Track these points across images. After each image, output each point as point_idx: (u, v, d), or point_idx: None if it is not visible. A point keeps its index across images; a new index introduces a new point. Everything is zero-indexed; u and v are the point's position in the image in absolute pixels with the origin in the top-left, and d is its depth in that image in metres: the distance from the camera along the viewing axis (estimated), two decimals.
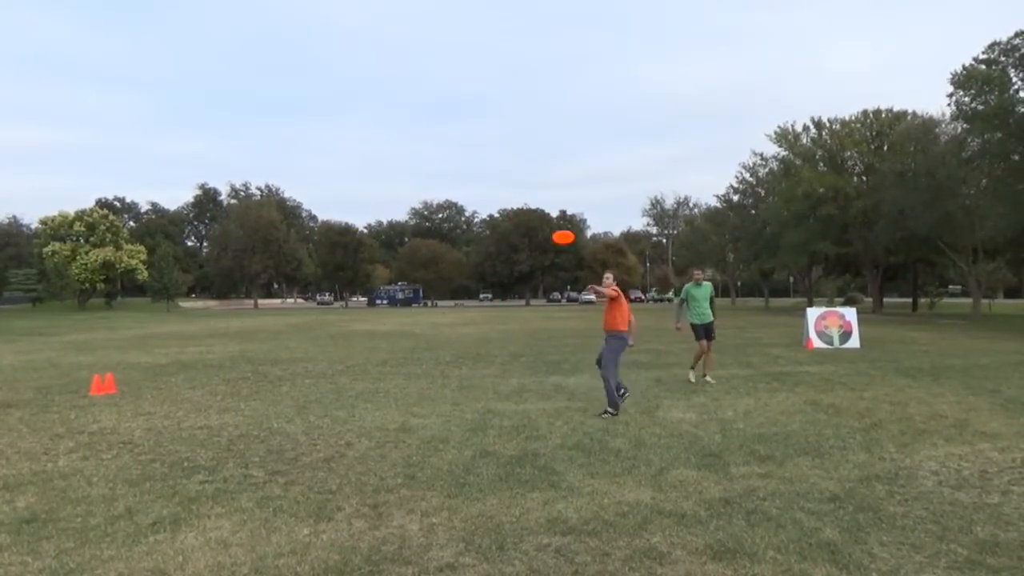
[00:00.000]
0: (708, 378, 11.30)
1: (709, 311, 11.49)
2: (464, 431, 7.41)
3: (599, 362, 8.73)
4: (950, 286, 65.96)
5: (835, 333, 17.69)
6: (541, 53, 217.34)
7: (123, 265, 66.25)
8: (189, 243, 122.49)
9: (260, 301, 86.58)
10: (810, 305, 38.16)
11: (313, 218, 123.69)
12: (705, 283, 11.66)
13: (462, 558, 3.96)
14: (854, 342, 17.53)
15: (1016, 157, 32.80)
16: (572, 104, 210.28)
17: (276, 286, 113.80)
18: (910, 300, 57.64)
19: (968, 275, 40.31)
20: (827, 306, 24.02)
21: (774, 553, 3.99)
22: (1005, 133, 31.92)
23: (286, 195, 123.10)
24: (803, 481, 5.46)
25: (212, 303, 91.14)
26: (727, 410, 8.66)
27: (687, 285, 11.88)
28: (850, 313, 18.26)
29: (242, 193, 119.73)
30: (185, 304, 79.93)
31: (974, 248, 38.30)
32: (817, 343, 17.49)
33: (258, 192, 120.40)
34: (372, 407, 9.04)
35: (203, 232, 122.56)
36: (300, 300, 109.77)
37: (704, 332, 11.39)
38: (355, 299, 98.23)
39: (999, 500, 4.99)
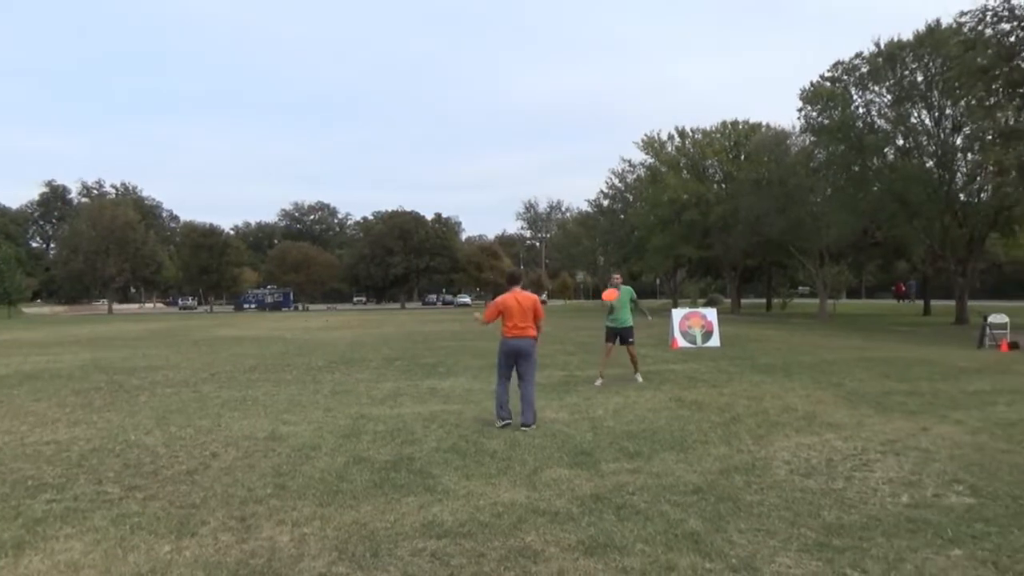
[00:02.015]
0: (637, 377, 11.49)
1: (627, 316, 11.56)
2: (337, 437, 7.25)
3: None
4: (800, 287, 70.54)
5: (698, 333, 18.56)
6: (411, 55, 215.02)
7: None
8: (34, 244, 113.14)
9: (115, 306, 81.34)
10: (675, 306, 39.82)
11: (175, 219, 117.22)
12: (623, 287, 11.65)
13: (335, 567, 3.87)
14: (715, 341, 18.45)
15: (856, 168, 35.53)
16: (445, 108, 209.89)
17: (133, 290, 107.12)
18: (764, 300, 61.38)
19: (816, 277, 43.08)
20: (690, 307, 25.14)
21: (642, 545, 4.14)
22: (847, 146, 34.57)
23: (144, 194, 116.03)
24: (669, 475, 5.69)
25: (60, 308, 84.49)
26: (598, 408, 8.91)
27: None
28: (711, 313, 19.24)
29: (95, 191, 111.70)
30: (29, 310, 73.73)
31: (820, 252, 40.88)
32: (681, 342, 18.27)
33: (113, 191, 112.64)
34: (239, 415, 8.67)
35: (50, 233, 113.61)
36: (160, 305, 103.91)
37: (614, 336, 11.54)
38: (221, 303, 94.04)
39: (843, 485, 5.39)
